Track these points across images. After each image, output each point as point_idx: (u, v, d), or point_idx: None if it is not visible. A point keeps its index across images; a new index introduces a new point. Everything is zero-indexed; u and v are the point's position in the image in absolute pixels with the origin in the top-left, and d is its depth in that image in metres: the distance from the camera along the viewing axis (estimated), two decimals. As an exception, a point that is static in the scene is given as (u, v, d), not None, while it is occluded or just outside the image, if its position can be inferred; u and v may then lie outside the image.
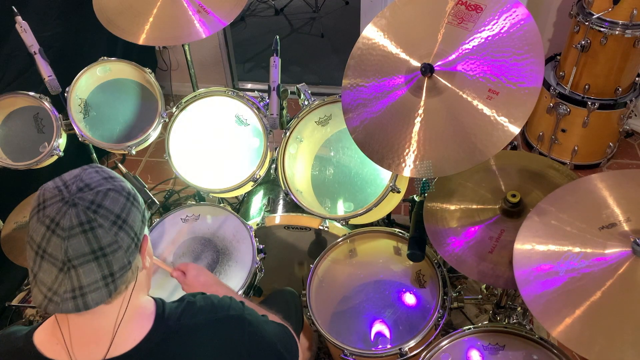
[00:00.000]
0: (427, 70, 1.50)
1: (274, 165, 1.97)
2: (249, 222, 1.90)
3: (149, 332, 0.98)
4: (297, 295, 1.75)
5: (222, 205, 1.97)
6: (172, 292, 1.68)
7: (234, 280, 1.74)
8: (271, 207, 2.12)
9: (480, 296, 2.12)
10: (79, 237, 0.87)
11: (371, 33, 1.66)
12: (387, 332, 1.65)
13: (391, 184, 1.78)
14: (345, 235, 1.85)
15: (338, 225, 1.95)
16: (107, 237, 0.89)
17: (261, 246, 1.83)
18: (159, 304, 1.04)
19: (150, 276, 1.07)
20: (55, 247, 0.87)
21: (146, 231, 1.01)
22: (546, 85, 2.71)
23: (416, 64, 1.55)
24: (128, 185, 0.96)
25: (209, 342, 1.00)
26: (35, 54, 1.89)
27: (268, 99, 1.87)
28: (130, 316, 0.97)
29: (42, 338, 0.97)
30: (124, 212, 0.91)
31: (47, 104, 2.00)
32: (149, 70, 2.08)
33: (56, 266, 0.87)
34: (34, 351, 0.96)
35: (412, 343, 1.57)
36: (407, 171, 1.51)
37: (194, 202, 1.98)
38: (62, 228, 0.86)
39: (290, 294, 1.73)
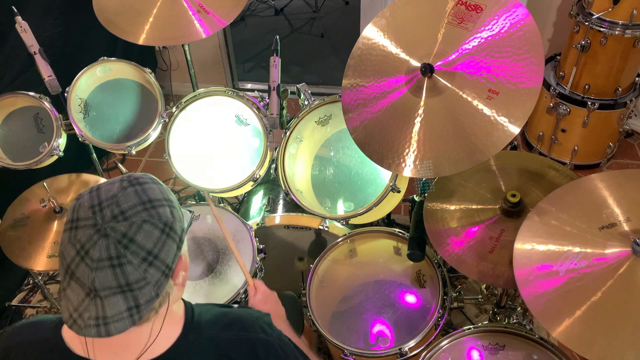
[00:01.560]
0: (427, 70, 1.50)
1: (274, 165, 1.97)
2: (249, 222, 1.90)
3: (177, 340, 0.97)
4: (297, 299, 1.75)
5: (222, 205, 1.97)
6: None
7: (234, 280, 1.74)
8: (271, 207, 2.12)
9: (480, 296, 2.12)
10: (106, 271, 0.85)
11: (371, 33, 1.66)
12: (387, 332, 1.65)
13: (391, 184, 1.78)
14: (345, 235, 1.85)
15: (338, 225, 1.95)
16: (136, 274, 0.86)
17: (261, 246, 1.83)
18: (188, 309, 1.03)
19: (184, 285, 1.02)
20: (83, 274, 0.86)
21: (184, 249, 0.97)
22: (546, 85, 2.71)
23: (416, 64, 1.55)
24: (166, 211, 0.90)
25: (232, 358, 0.99)
26: (35, 54, 1.89)
27: (268, 99, 1.87)
28: (163, 324, 0.97)
29: (71, 334, 0.96)
30: (156, 247, 0.88)
31: (47, 104, 2.00)
32: (149, 70, 2.08)
33: (83, 290, 0.86)
34: (61, 345, 0.96)
35: (412, 343, 1.57)
36: (407, 171, 1.51)
37: (194, 202, 1.98)
38: (91, 258, 0.85)
39: (290, 298, 1.73)
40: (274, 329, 1.07)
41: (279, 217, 2.00)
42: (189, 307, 1.04)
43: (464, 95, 1.46)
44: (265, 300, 1.36)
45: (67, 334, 0.97)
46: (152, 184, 0.93)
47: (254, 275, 1.76)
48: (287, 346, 1.07)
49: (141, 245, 0.86)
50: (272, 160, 1.99)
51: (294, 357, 1.08)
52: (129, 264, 0.85)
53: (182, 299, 1.05)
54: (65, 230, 0.88)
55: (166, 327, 0.97)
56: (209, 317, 1.03)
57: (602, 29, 2.39)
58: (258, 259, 1.77)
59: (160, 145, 2.15)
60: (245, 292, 1.72)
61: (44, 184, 1.96)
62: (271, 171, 2.00)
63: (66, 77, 2.01)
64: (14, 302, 2.38)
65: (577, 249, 1.27)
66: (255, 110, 1.99)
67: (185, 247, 0.99)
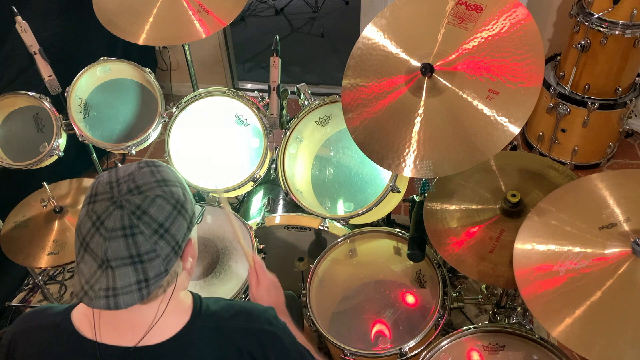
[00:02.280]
0: (427, 70, 1.50)
1: (274, 165, 1.97)
2: (249, 222, 1.90)
3: (184, 327, 1.00)
4: (296, 299, 1.75)
5: (221, 205, 1.97)
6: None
7: (234, 280, 1.74)
8: (271, 207, 2.12)
9: (480, 296, 2.12)
10: (119, 241, 0.88)
11: (371, 33, 1.66)
12: (387, 332, 1.65)
13: (391, 184, 1.78)
14: (345, 235, 1.85)
15: (338, 225, 1.95)
16: (147, 245, 0.89)
17: (261, 246, 1.83)
18: (196, 299, 1.05)
19: (191, 273, 1.06)
20: (97, 245, 0.89)
21: (194, 234, 1.01)
22: (546, 85, 2.71)
23: (416, 64, 1.55)
24: (179, 191, 0.95)
25: (242, 349, 1.01)
26: (35, 54, 1.89)
27: (268, 99, 1.87)
28: (170, 309, 0.99)
29: (80, 317, 1.00)
30: (167, 221, 0.91)
31: (47, 104, 2.00)
32: (149, 70, 2.08)
33: (96, 261, 0.90)
34: (71, 329, 0.99)
35: (412, 343, 1.57)
36: (407, 171, 1.51)
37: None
38: (105, 228, 0.88)
39: (290, 297, 1.73)
40: (279, 321, 1.09)
41: (279, 217, 2.00)
42: (197, 297, 1.06)
43: (464, 95, 1.46)
44: (269, 291, 1.33)
45: (76, 317, 1.00)
46: (167, 169, 0.99)
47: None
48: (291, 338, 1.09)
49: (153, 218, 0.90)
50: (272, 160, 1.99)
51: (298, 349, 1.09)
52: (140, 234, 0.89)
53: (190, 291, 1.07)
54: (83, 206, 0.92)
55: (174, 315, 0.99)
56: (216, 308, 1.05)
57: (602, 29, 2.39)
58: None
59: (160, 145, 2.15)
60: (246, 292, 1.72)
61: (45, 184, 1.96)
62: (271, 171, 2.00)
63: (66, 77, 2.01)
64: (14, 302, 2.38)
65: (577, 249, 1.27)
66: (255, 110, 1.99)
67: (195, 236, 1.03)
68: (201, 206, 1.11)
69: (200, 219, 1.07)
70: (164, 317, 0.98)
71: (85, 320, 0.99)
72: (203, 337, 1.00)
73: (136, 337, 0.97)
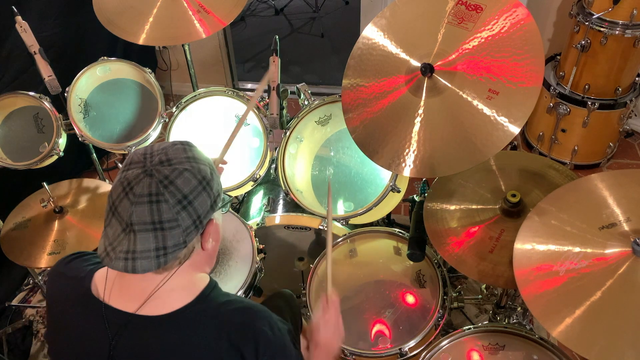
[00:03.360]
0: (427, 70, 1.50)
1: (274, 165, 1.96)
2: (249, 222, 1.90)
3: (185, 306, 1.02)
4: (295, 298, 1.75)
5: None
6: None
7: (234, 280, 1.74)
8: (271, 207, 2.12)
9: (480, 296, 2.12)
10: (144, 206, 0.93)
11: (371, 33, 1.66)
12: (387, 332, 1.65)
13: (391, 184, 1.78)
14: (345, 235, 1.85)
15: (338, 225, 1.95)
16: (169, 213, 0.93)
17: (261, 246, 1.83)
18: (211, 285, 1.08)
19: (212, 257, 1.10)
20: (124, 209, 0.94)
21: (218, 217, 1.06)
22: (546, 85, 2.71)
23: (416, 64, 1.55)
24: (207, 170, 1.00)
25: (228, 342, 1.01)
26: (35, 54, 1.89)
27: (268, 99, 1.87)
28: (178, 286, 1.02)
29: (101, 277, 1.06)
30: (192, 194, 0.96)
31: (47, 104, 2.00)
32: (149, 70, 2.08)
33: (121, 225, 0.94)
34: (87, 285, 1.06)
35: (412, 343, 1.57)
36: (407, 171, 1.51)
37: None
38: (134, 193, 0.93)
39: (289, 296, 1.73)
40: (283, 334, 1.09)
41: (279, 217, 2.00)
42: (212, 283, 1.08)
43: (464, 95, 1.46)
44: (327, 327, 1.29)
45: (97, 277, 1.06)
46: (200, 150, 1.04)
47: (254, 276, 1.75)
48: (285, 354, 1.08)
49: (179, 188, 0.94)
50: (272, 160, 1.99)
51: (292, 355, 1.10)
52: (165, 202, 0.93)
53: (210, 277, 1.10)
54: (118, 174, 0.98)
55: (182, 291, 1.03)
56: (223, 299, 1.07)
57: (602, 29, 2.39)
58: (258, 259, 1.77)
59: (160, 145, 2.15)
60: (246, 292, 1.72)
61: (45, 184, 1.96)
62: (271, 171, 1.99)
63: (66, 77, 2.01)
64: (14, 302, 2.38)
65: (577, 249, 1.27)
66: (255, 110, 1.99)
67: (219, 218, 1.08)
68: (229, 196, 1.13)
69: (227, 209, 1.10)
70: (170, 292, 1.01)
71: (103, 281, 1.05)
72: (198, 320, 1.02)
73: (138, 306, 1.01)
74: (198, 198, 0.96)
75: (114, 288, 1.03)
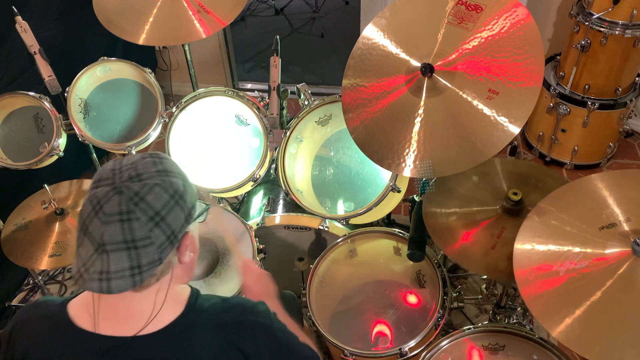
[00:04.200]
0: (427, 70, 1.50)
1: (274, 165, 1.96)
2: (249, 222, 1.90)
3: (178, 318, 1.01)
4: (296, 299, 1.75)
5: (222, 205, 1.97)
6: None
7: (234, 280, 1.74)
8: (271, 207, 2.12)
9: (480, 296, 2.12)
10: (115, 225, 0.90)
11: (371, 33, 1.66)
12: (387, 332, 1.65)
13: (391, 184, 1.78)
14: (345, 235, 1.85)
15: (338, 225, 1.95)
16: (142, 231, 0.91)
17: (261, 246, 1.83)
18: (194, 293, 1.07)
19: (191, 269, 1.07)
20: (95, 229, 0.91)
21: (194, 229, 1.03)
22: (546, 85, 2.71)
23: (416, 64, 1.55)
24: (179, 182, 0.97)
25: (234, 343, 1.02)
26: (35, 54, 1.89)
27: (268, 99, 1.87)
28: (166, 301, 1.00)
29: (76, 307, 1.02)
30: (164, 209, 0.93)
31: (47, 104, 2.00)
32: (149, 70, 2.08)
33: (93, 245, 0.91)
34: (66, 318, 1.01)
35: (412, 343, 1.57)
36: (407, 171, 1.51)
37: (194, 202, 1.98)
38: (104, 212, 0.90)
39: (290, 297, 1.73)
40: (271, 313, 1.10)
41: (279, 217, 2.00)
42: (194, 292, 1.07)
43: (464, 95, 1.46)
44: (259, 280, 1.36)
45: (73, 308, 1.02)
46: (170, 161, 1.01)
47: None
48: (284, 330, 1.10)
49: (150, 205, 0.91)
50: (272, 160, 1.99)
51: (290, 341, 1.11)
52: (136, 220, 0.90)
53: (190, 286, 1.08)
54: (88, 191, 0.95)
55: (168, 305, 1.01)
56: (209, 304, 1.06)
57: (602, 29, 2.39)
58: (258, 259, 1.77)
59: (160, 145, 2.15)
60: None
61: (46, 186, 1.96)
62: (271, 171, 1.99)
63: (66, 77, 2.01)
64: (14, 302, 2.38)
65: (577, 249, 1.27)
66: (255, 110, 1.99)
67: (195, 229, 1.04)
68: (206, 204, 1.12)
69: (205, 218, 1.08)
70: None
71: (84, 310, 1.01)
72: (194, 329, 1.01)
73: (133, 327, 0.98)
74: (171, 213, 0.93)
75: (100, 314, 0.99)
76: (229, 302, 1.07)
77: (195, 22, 2.01)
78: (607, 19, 2.37)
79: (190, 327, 1.01)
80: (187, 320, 1.01)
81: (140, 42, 2.00)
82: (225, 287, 1.74)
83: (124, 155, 3.05)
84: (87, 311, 1.00)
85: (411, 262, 1.75)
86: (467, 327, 1.50)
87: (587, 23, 2.40)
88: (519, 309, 1.86)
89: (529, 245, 1.34)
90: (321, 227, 1.89)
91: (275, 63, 1.82)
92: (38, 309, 1.06)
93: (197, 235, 1.06)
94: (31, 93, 2.00)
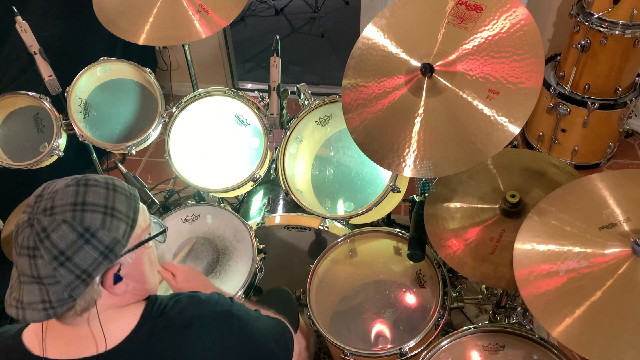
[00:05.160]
0: (427, 70, 1.50)
1: (274, 165, 1.96)
2: (249, 222, 1.90)
3: (134, 329, 0.98)
4: (291, 294, 1.75)
5: (222, 205, 1.97)
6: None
7: (234, 280, 1.74)
8: (271, 207, 2.12)
9: (480, 296, 2.12)
10: (24, 259, 0.89)
11: (371, 33, 1.66)
12: (387, 332, 1.65)
13: (391, 184, 1.78)
14: (345, 235, 1.85)
15: (338, 225, 1.95)
16: (46, 270, 0.88)
17: (261, 246, 1.83)
18: (151, 300, 1.04)
19: (143, 289, 1.03)
20: (14, 257, 0.91)
21: (136, 256, 0.98)
22: (546, 85, 2.71)
23: (416, 64, 1.55)
24: (96, 217, 0.90)
25: (197, 339, 1.00)
26: (35, 54, 1.89)
27: (268, 99, 1.87)
28: (112, 319, 0.97)
29: (29, 334, 1.00)
30: (70, 249, 0.88)
31: (47, 104, 2.00)
32: (149, 70, 2.08)
33: (17, 272, 0.91)
34: (21, 347, 0.99)
35: (412, 343, 1.57)
36: (407, 171, 1.51)
37: (194, 202, 1.98)
38: (17, 243, 0.89)
39: (284, 292, 1.73)
40: (226, 299, 1.09)
41: (279, 217, 2.00)
42: (151, 299, 1.04)
43: (464, 95, 1.46)
44: (187, 278, 1.35)
45: (26, 337, 1.00)
46: (102, 189, 0.93)
47: (254, 275, 1.75)
48: (243, 309, 1.09)
49: (54, 244, 0.87)
50: (272, 160, 1.99)
51: (253, 319, 1.10)
52: (40, 258, 0.87)
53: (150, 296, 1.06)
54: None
55: (118, 322, 0.98)
56: (163, 306, 1.03)
57: (602, 29, 2.39)
58: (258, 259, 1.77)
59: (161, 145, 2.16)
60: (245, 292, 1.72)
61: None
62: (271, 171, 1.99)
63: (66, 77, 2.01)
64: (14, 302, 2.38)
65: (577, 249, 1.27)
66: (255, 110, 1.99)
67: (147, 253, 1.01)
68: (162, 226, 1.07)
69: (164, 239, 1.05)
70: (110, 324, 0.96)
71: (35, 338, 0.99)
72: (153, 337, 0.98)
73: (81, 350, 0.96)
74: (79, 253, 0.88)
75: (48, 339, 0.97)
76: (181, 302, 1.04)
77: (195, 22, 2.01)
78: (607, 19, 2.37)
79: (148, 338, 0.98)
80: (142, 332, 0.98)
81: (140, 42, 2.00)
82: (225, 287, 1.74)
83: (124, 155, 3.07)
84: (36, 338, 0.98)
85: (411, 262, 1.74)
86: (467, 327, 1.50)
87: (587, 23, 2.40)
88: (519, 309, 1.86)
89: (529, 246, 1.34)
90: (321, 227, 1.89)
91: (275, 63, 1.82)
92: None
93: (146, 259, 1.02)
94: (31, 93, 2.00)
